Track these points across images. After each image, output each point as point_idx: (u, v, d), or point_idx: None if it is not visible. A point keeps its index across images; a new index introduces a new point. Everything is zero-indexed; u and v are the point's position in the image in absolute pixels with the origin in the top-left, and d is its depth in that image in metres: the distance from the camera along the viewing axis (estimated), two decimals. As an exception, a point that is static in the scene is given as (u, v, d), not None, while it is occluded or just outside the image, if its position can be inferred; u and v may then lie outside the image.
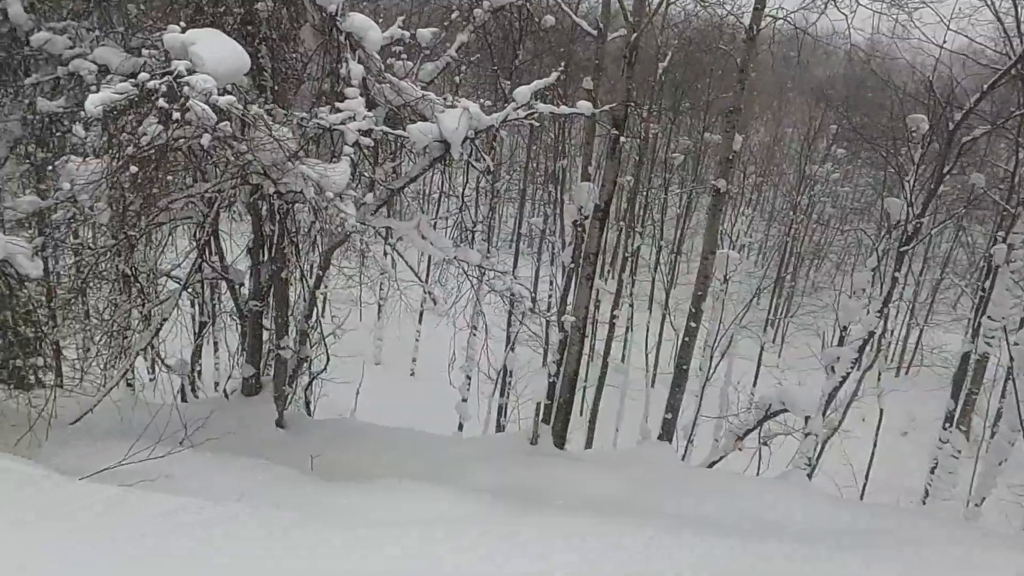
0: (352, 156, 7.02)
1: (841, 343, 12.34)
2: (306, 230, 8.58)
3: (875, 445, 13.58)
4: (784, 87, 35.94)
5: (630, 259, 18.44)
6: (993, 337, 11.71)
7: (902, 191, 10.67)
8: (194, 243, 8.61)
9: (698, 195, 27.54)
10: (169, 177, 5.90)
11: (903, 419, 22.19)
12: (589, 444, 16.42)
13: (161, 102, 4.82)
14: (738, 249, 21.36)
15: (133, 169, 4.83)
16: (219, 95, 5.26)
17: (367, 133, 7.12)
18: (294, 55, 7.78)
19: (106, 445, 5.00)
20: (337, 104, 7.02)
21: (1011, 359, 11.67)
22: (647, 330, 19.34)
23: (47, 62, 6.59)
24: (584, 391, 20.01)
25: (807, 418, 11.01)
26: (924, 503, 13.20)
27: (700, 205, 28.17)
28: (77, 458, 4.91)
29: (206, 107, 4.94)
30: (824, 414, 11.26)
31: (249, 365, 9.38)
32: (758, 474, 12.58)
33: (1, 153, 6.06)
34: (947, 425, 12.95)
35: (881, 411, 13.54)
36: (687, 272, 28.16)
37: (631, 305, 18.00)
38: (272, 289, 8.87)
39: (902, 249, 10.15)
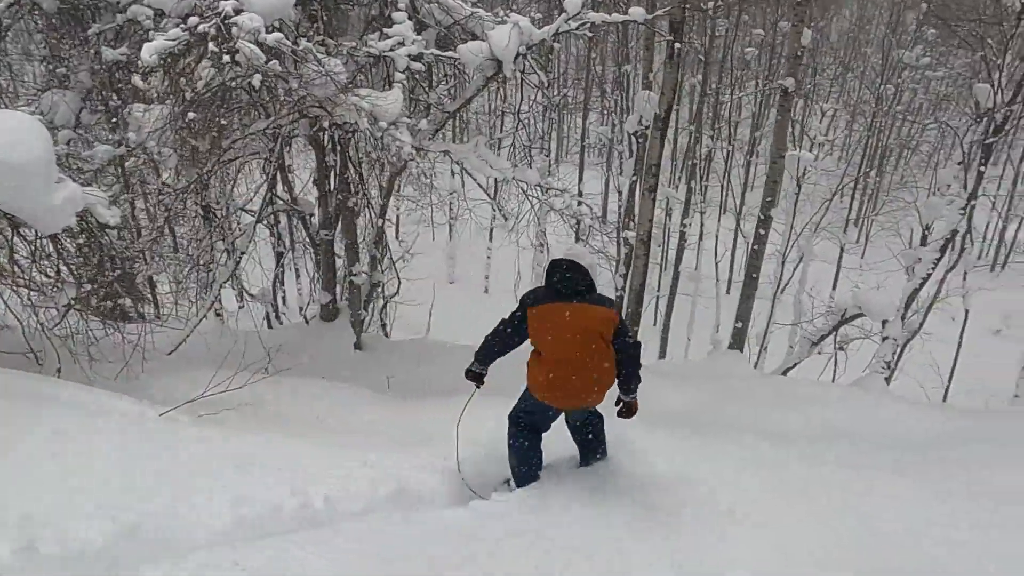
0: (404, 82, 7.05)
1: (923, 243, 11.84)
2: (367, 159, 8.72)
3: (959, 346, 13.14)
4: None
5: (700, 165, 17.93)
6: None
7: (990, 75, 9.92)
8: (264, 177, 8.93)
9: (772, 92, 26.18)
10: (226, 120, 6.08)
11: (995, 318, 21.28)
12: (663, 354, 16.51)
13: (211, 45, 4.94)
14: (816, 148, 20.32)
15: (192, 115, 5.02)
16: (267, 32, 5.37)
17: (418, 58, 7.10)
18: (342, -20, 7.74)
19: (196, 375, 5.40)
20: (386, 30, 7.01)
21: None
22: (716, 239, 18.95)
23: (107, 10, 6.78)
24: (656, 301, 19.99)
25: (885, 322, 10.74)
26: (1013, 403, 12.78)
27: (776, 103, 26.81)
28: (167, 388, 5.35)
29: (254, 47, 5.04)
30: (903, 317, 10.96)
31: (325, 292, 9.79)
32: (834, 380, 12.44)
33: (74, 104, 6.36)
34: (1041, 322, 12.38)
35: (967, 311, 13.02)
36: (762, 175, 27.16)
37: (702, 213, 17.60)
38: (340, 218, 9.14)
39: (988, 141, 9.51)
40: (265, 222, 10.24)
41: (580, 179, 15.34)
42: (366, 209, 9.47)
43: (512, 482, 4.27)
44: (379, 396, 6.74)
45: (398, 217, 20.49)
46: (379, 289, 10.08)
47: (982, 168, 10.00)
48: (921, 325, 11.52)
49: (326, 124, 6.60)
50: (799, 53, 9.27)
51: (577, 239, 12.66)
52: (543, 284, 3.93)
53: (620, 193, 14.39)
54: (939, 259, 10.55)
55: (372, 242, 9.54)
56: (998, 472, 4.76)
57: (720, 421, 7.31)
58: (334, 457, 4.10)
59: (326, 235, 9.28)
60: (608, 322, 3.71)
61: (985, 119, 9.87)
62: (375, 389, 7.25)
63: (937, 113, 28.72)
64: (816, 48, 27.42)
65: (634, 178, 11.02)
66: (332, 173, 8.87)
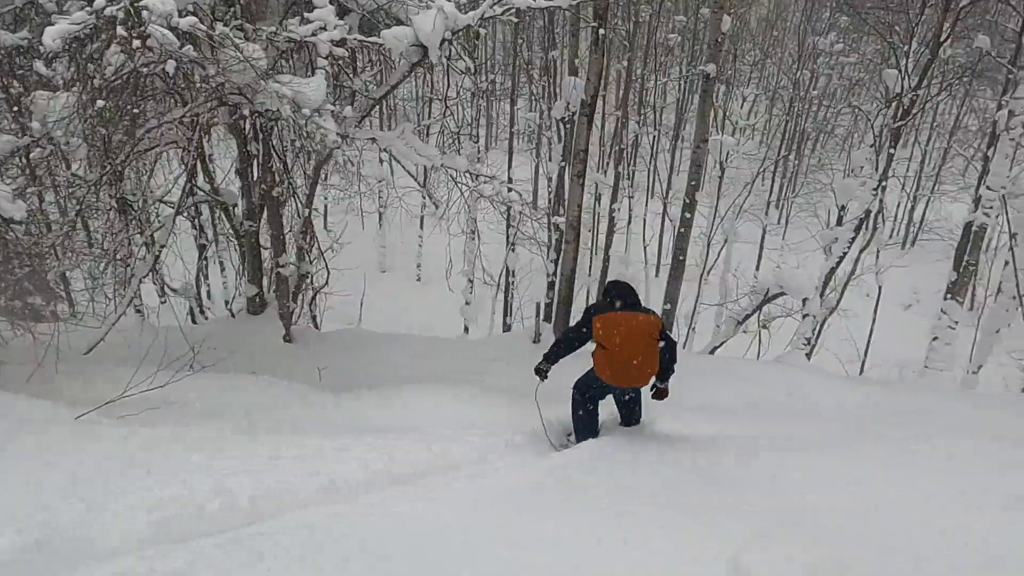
0: (327, 69, 6.89)
1: (839, 223, 12.34)
2: (291, 147, 8.51)
3: (874, 321, 13.79)
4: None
5: (627, 150, 18.18)
6: (992, 207, 11.64)
7: (898, 62, 10.37)
8: (183, 167, 8.61)
9: (695, 78, 26.75)
10: (139, 108, 5.83)
11: (907, 293, 22.39)
12: (595, 338, 16.75)
13: (120, 30, 4.71)
14: (738, 132, 20.94)
15: (101, 102, 4.78)
16: (181, 17, 5.15)
17: (341, 43, 6.95)
18: (259, -37, 7.50)
19: (115, 374, 5.19)
20: (307, 15, 6.83)
21: (1010, 228, 11.65)
22: (644, 223, 19.32)
23: (4, -9, 6.39)
24: (588, 286, 20.26)
25: (805, 300, 11.17)
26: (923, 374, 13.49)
27: (699, 88, 27.39)
28: (85, 390, 5.12)
29: (167, 32, 4.83)
30: (822, 295, 11.41)
31: (251, 285, 9.54)
32: (758, 357, 12.88)
33: (-29, 91, 5.98)
34: (948, 296, 13.07)
35: (880, 288, 13.66)
36: (687, 160, 27.73)
37: (630, 197, 17.89)
38: (265, 208, 8.90)
39: (896, 125, 9.95)
40: (185, 214, 9.90)
41: (510, 165, 15.35)
42: (292, 199, 9.25)
43: (574, 437, 5.48)
44: (311, 389, 6.62)
45: (326, 206, 20.13)
46: (308, 280, 9.89)
47: (892, 151, 10.47)
48: (838, 302, 12.03)
49: (247, 112, 6.42)
50: (719, 40, 9.48)
51: (508, 225, 12.68)
52: (601, 299, 5.25)
53: (549, 179, 14.48)
54: (854, 238, 11.01)
55: (299, 232, 9.34)
56: (913, 442, 5.04)
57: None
58: (263, 454, 4.01)
59: (250, 226, 9.04)
60: (654, 325, 4.96)
61: (894, 103, 10.32)
62: (307, 382, 7.13)
63: (850, 98, 29.91)
64: (736, 35, 28.10)
65: (563, 164, 11.10)
66: (255, 162, 8.62)
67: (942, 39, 9.98)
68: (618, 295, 5.08)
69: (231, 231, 9.98)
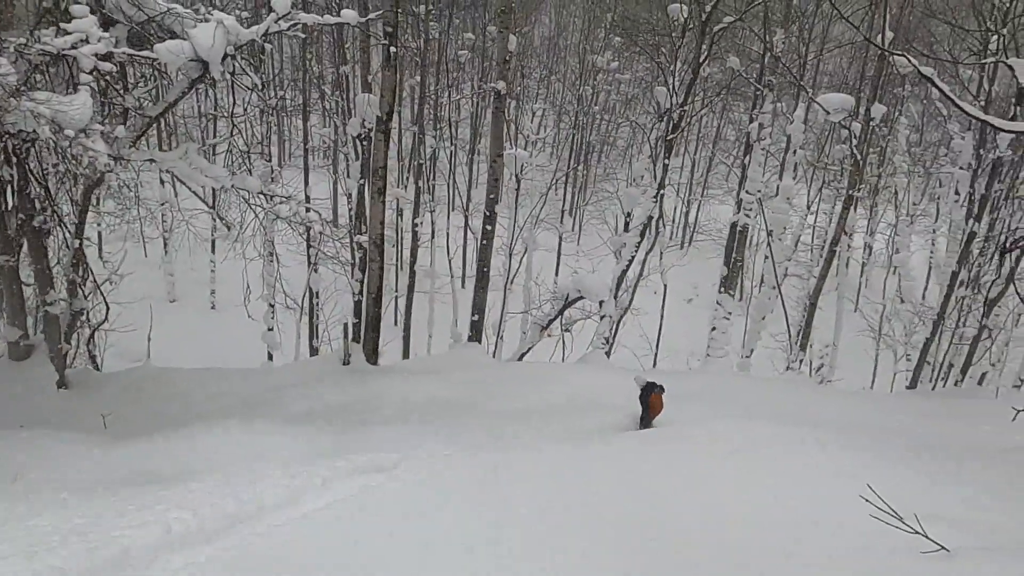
0: (93, 85, 6.29)
1: (627, 228, 13.29)
2: (54, 171, 7.65)
3: (662, 317, 14.99)
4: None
5: (426, 164, 18.35)
6: (751, 208, 13.12)
7: (666, 81, 11.40)
8: (-85, 197, 7.43)
9: (487, 94, 27.61)
10: None
11: (688, 289, 24.59)
12: (406, 354, 16.67)
13: None
14: (530, 146, 21.92)
15: None
16: (-98, 25, 4.46)
17: (107, 57, 6.37)
18: (-1, -34, 6.68)
19: None
20: (63, 25, 6.18)
21: (767, 226, 13.22)
22: (447, 236, 19.59)
23: None
24: (396, 301, 20.12)
25: (601, 302, 11.89)
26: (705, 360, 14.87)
27: (491, 104, 28.28)
28: None
29: None
30: (616, 296, 12.21)
31: (13, 327, 8.42)
32: (564, 359, 13.51)
33: None
34: (722, 290, 14.55)
35: (665, 286, 14.88)
36: (484, 173, 28.53)
37: (432, 211, 18.05)
38: (25, 240, 7.91)
39: (669, 137, 10.92)
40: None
41: (306, 183, 14.80)
42: (58, 228, 8.30)
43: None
44: (95, 440, 5.96)
45: (100, 234, 18.26)
46: (83, 317, 8.92)
47: (667, 161, 11.47)
48: (631, 301, 12.94)
49: (-5, 133, 5.67)
50: (507, 58, 9.87)
51: (309, 246, 12.26)
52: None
53: (349, 196, 14.21)
54: (640, 242, 11.91)
55: (69, 265, 8.40)
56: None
57: (471, 407, 7.69)
58: (42, 527, 3.51)
59: (7, 260, 7.98)
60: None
61: (665, 118, 11.32)
62: (89, 431, 6.42)
63: (628, 112, 32.43)
64: (523, 52, 29.42)
65: (362, 181, 10.96)
66: (9, 189, 7.63)
67: (701, 60, 11.12)
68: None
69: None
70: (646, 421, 6.43)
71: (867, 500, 3.23)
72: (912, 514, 3.19)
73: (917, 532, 3.11)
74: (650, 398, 6.44)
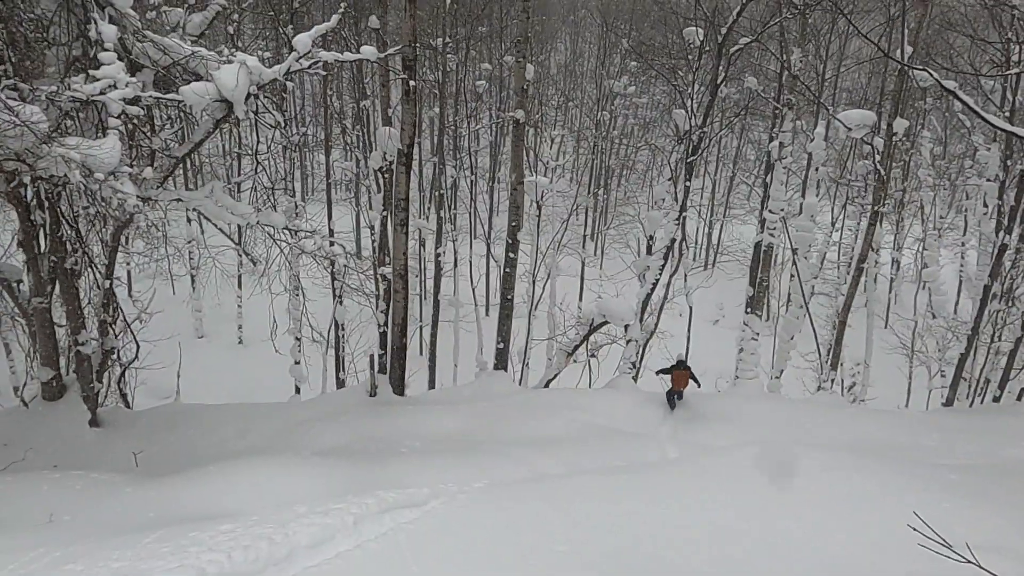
0: (121, 128, 6.42)
1: (649, 252, 13.22)
2: (84, 214, 7.79)
3: (688, 339, 14.82)
4: (576, 5, 36.71)
5: (447, 194, 18.48)
6: (775, 227, 13.01)
7: (684, 104, 11.40)
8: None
9: (505, 123, 27.86)
10: None
11: (713, 310, 24.35)
12: (432, 384, 16.63)
13: None
14: (550, 172, 22.00)
15: None
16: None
17: (134, 101, 6.51)
18: (31, 16, 6.88)
19: None
20: (92, 72, 6.33)
21: (792, 244, 13.08)
22: (470, 264, 19.63)
23: None
24: (420, 330, 20.13)
25: (627, 326, 11.80)
26: (735, 383, 14.66)
27: (510, 132, 28.51)
28: None
29: (-78, 96, 4.27)
30: (641, 320, 12.11)
31: (46, 368, 8.54)
32: (591, 384, 13.39)
33: None
34: (748, 311, 14.39)
35: (690, 307, 14.74)
36: (505, 201, 28.67)
37: (454, 240, 18.13)
38: (56, 281, 8.05)
39: (689, 159, 10.89)
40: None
41: (329, 217, 14.97)
42: (88, 269, 8.43)
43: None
44: (127, 479, 5.98)
45: (129, 273, 18.55)
46: (114, 356, 9.02)
47: (688, 183, 11.42)
48: (656, 324, 12.82)
49: (27, 179, 5.79)
50: (525, 87, 9.93)
51: (333, 279, 12.37)
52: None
53: (372, 228, 14.33)
54: (663, 265, 11.83)
55: (100, 305, 8.52)
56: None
57: (495, 437, 7.61)
58: (71, 567, 3.52)
59: (40, 303, 8.12)
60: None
61: (685, 140, 11.30)
62: (121, 471, 6.45)
63: (647, 135, 32.49)
64: (540, 80, 29.68)
65: (384, 213, 11.04)
66: (41, 232, 7.78)
67: (719, 81, 11.11)
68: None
69: (16, 310, 8.91)
70: (671, 399, 8.87)
71: (914, 529, 3.12)
72: (963, 543, 3.07)
73: (970, 562, 3.00)
74: (673, 374, 8.92)
